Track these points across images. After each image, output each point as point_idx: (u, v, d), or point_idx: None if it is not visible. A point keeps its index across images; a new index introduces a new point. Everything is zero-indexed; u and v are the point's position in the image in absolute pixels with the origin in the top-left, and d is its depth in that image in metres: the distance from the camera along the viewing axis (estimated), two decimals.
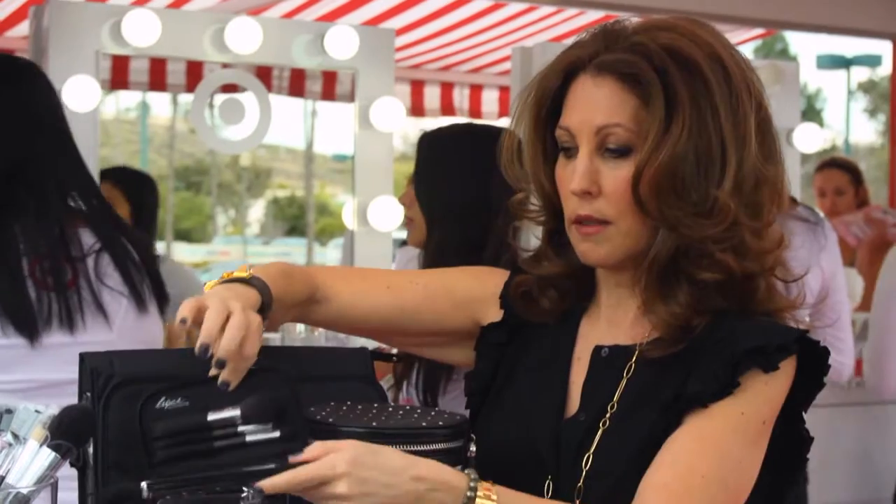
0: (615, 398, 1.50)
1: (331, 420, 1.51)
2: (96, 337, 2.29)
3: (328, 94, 6.00)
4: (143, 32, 3.67)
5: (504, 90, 6.97)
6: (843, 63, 23.63)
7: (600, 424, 1.49)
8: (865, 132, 34.23)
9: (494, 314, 1.65)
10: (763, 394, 1.44)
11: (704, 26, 1.51)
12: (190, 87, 5.63)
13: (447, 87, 7.10)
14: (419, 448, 1.48)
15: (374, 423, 1.51)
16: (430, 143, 2.73)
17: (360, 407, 1.59)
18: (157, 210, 4.48)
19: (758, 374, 1.44)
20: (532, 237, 1.68)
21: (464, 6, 5.92)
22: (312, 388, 1.62)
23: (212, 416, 1.45)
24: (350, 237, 3.93)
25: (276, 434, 1.49)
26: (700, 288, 1.47)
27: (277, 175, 32.68)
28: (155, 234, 4.47)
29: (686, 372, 1.46)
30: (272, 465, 1.38)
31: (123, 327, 2.34)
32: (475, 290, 1.67)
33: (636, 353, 1.51)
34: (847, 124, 27.68)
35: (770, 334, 1.45)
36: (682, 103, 1.44)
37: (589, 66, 1.49)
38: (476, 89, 7.16)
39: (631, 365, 1.51)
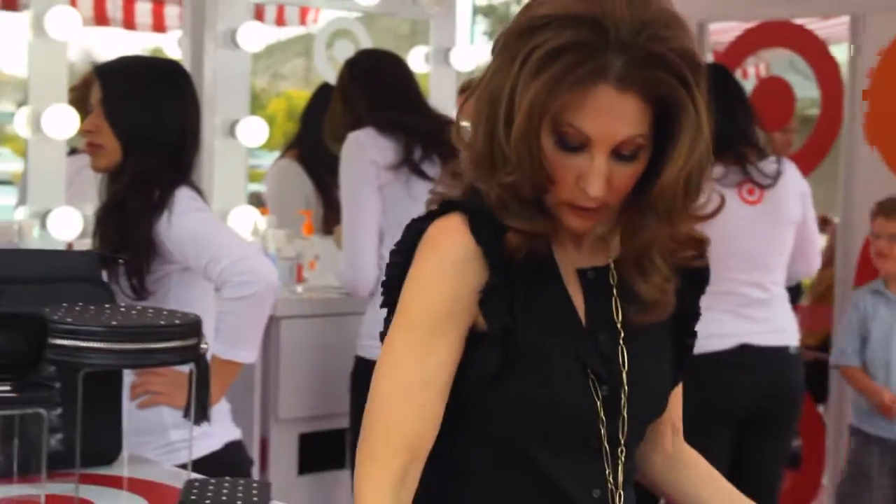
0: (619, 316, 1.61)
1: (69, 320, 1.58)
2: None
3: None
4: None
5: (158, 3, 6.93)
6: None
7: (620, 340, 1.60)
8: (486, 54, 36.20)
9: (482, 278, 1.54)
10: None
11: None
12: None
13: None
14: (156, 345, 1.59)
15: (112, 322, 1.58)
16: (118, 74, 2.86)
17: (93, 308, 1.65)
18: None
19: None
20: None
21: None
22: (42, 290, 1.70)
23: None
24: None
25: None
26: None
27: None
28: None
29: None
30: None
31: None
32: (462, 298, 1.54)
33: (611, 269, 1.62)
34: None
35: None
36: (700, 111, 1.49)
37: (610, 77, 1.45)
38: (129, 1, 7.08)
39: (613, 283, 1.61)
